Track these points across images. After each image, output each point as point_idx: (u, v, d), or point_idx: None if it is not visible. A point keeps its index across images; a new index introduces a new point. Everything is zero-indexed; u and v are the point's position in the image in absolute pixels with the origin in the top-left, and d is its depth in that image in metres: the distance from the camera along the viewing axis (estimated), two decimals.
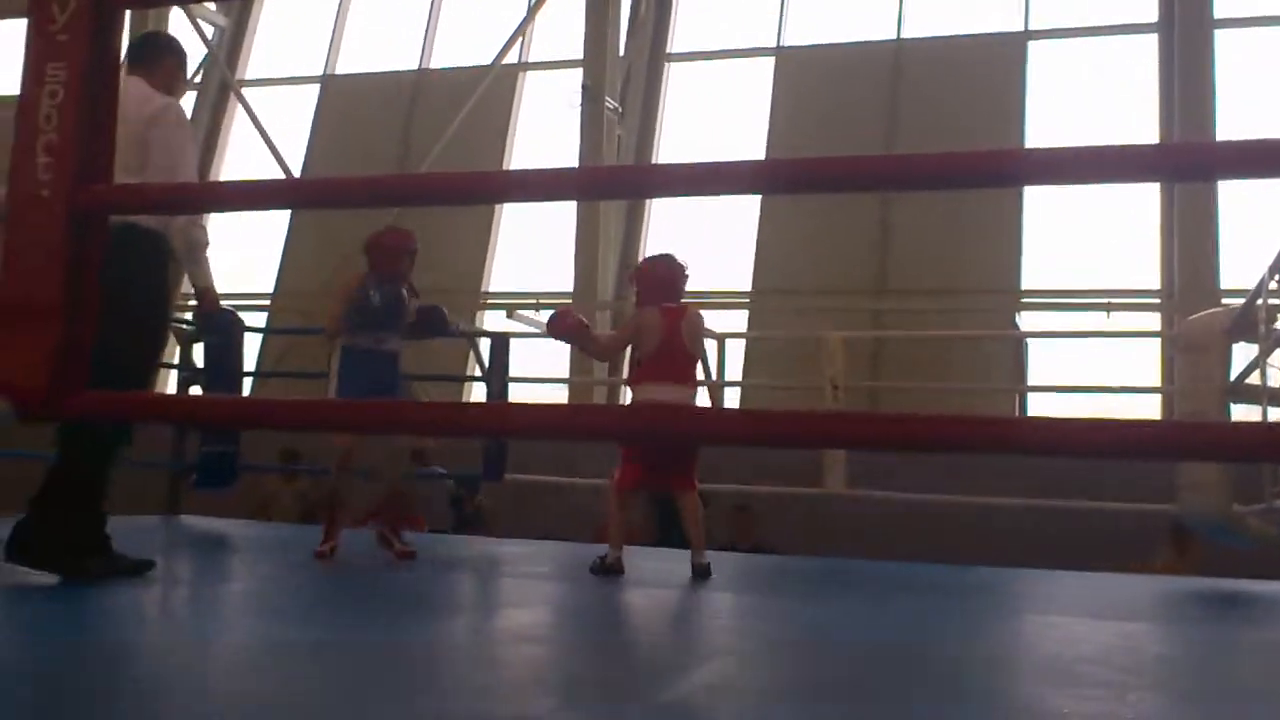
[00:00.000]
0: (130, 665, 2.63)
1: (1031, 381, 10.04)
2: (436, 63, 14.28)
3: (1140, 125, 11.19)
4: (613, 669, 2.80)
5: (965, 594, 5.16)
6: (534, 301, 12.31)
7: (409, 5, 14.59)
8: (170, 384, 11.29)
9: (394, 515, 5.55)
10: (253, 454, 7.86)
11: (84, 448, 3.70)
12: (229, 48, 14.92)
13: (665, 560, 6.21)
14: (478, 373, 10.32)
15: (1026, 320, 11.13)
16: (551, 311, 5.49)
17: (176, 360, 8.92)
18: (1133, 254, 11.04)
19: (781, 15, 13.03)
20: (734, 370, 10.60)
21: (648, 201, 12.77)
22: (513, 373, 7.83)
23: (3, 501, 6.47)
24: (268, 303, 13.54)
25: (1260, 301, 5.28)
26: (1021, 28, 12.12)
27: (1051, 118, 11.51)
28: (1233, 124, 10.73)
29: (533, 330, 11.37)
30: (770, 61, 12.90)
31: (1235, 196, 10.59)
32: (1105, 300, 10.81)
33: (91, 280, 2.06)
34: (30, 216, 2.02)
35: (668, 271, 5.35)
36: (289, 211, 13.47)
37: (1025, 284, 11.27)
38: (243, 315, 8.18)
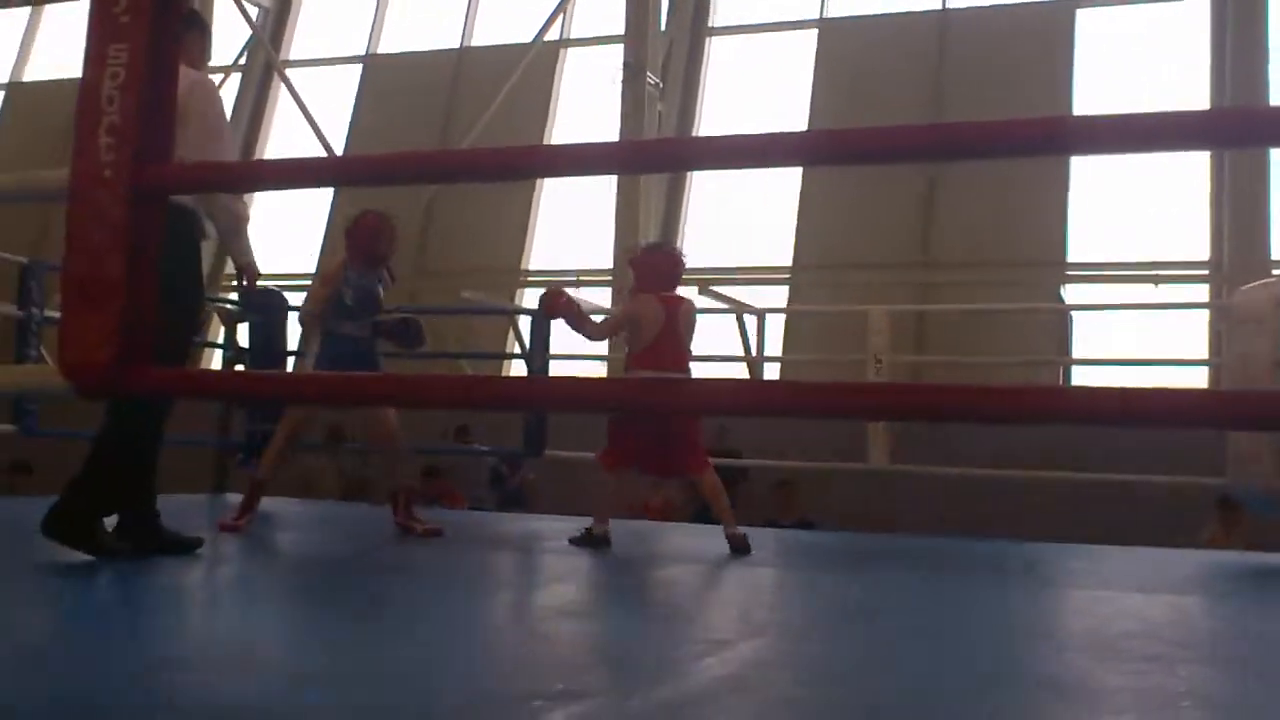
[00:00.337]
0: (179, 643, 2.68)
1: (1077, 355, 9.97)
2: (478, 41, 14.30)
3: (1190, 93, 11.03)
4: (660, 644, 2.82)
5: (1011, 569, 5.14)
6: (574, 279, 12.33)
7: None
8: (215, 363, 11.42)
9: (405, 496, 5.51)
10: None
11: (126, 426, 3.71)
12: (273, 28, 15.00)
13: (704, 536, 6.23)
14: (518, 350, 10.40)
15: (1072, 293, 11.03)
16: (543, 291, 5.53)
17: (221, 339, 9.02)
18: (1181, 225, 10.92)
19: None
20: (774, 346, 10.58)
21: (688, 178, 12.75)
22: (553, 350, 7.83)
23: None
24: (309, 283, 13.62)
25: None
26: None
27: (1100, 87, 11.37)
28: None
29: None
30: (813, 34, 12.83)
31: None
32: (1153, 272, 10.70)
33: (152, 259, 2.10)
34: (93, 196, 2.05)
35: (667, 260, 5.41)
36: (331, 191, 13.55)
37: (1071, 256, 11.17)
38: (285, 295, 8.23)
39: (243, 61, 14.97)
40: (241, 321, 8.10)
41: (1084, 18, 11.87)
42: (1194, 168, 10.93)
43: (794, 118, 12.16)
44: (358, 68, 14.76)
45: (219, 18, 13.40)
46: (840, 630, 3.15)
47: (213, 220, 4.03)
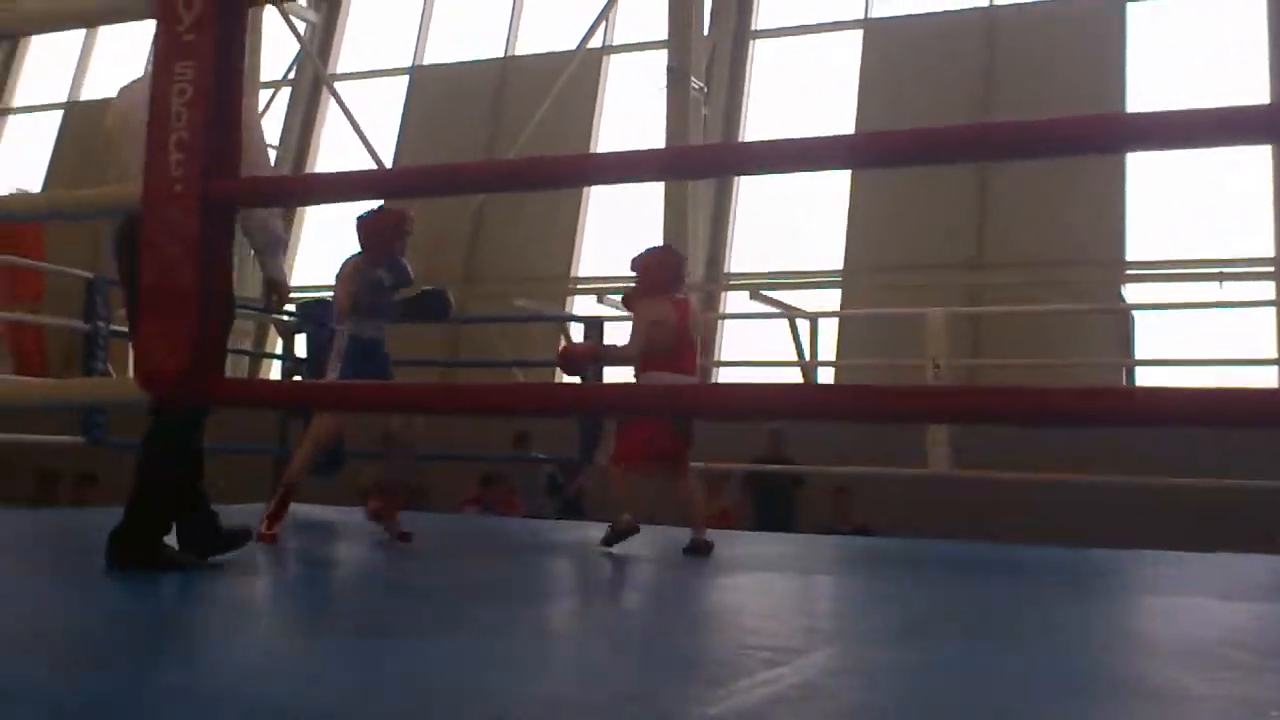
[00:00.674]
0: (256, 653, 2.68)
1: (1140, 356, 9.83)
2: (521, 50, 14.34)
3: (1248, 89, 10.85)
4: (732, 651, 2.79)
5: (1081, 576, 5.06)
6: (624, 285, 12.33)
7: None
8: (274, 374, 11.50)
9: (393, 498, 5.49)
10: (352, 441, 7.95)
11: (169, 439, 3.65)
12: (320, 43, 15.12)
13: (766, 544, 6.20)
14: None
15: (1133, 293, 10.88)
16: (559, 353, 5.55)
17: (280, 351, 9.09)
18: (1245, 221, 10.74)
19: None
20: (826, 351, 10.51)
21: (736, 182, 12.71)
22: None
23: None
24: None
25: None
26: None
27: (1153, 84, 11.22)
28: None
29: (624, 314, 11.38)
30: (858, 35, 12.75)
31: None
32: (1216, 270, 10.50)
33: (223, 270, 2.11)
34: (165, 210, 2.07)
35: (675, 259, 5.41)
36: (383, 201, 13.62)
37: (1130, 255, 11.03)
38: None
39: (291, 76, 15.10)
40: (298, 333, 8.16)
41: (1134, 12, 11.71)
42: (1257, 161, 10.74)
43: (840, 120, 12.09)
44: (404, 79, 14.85)
45: (267, 33, 13.53)
46: (913, 638, 3.11)
47: (249, 237, 3.95)
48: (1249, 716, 2.23)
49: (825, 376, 10.51)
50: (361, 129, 13.16)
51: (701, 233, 12.29)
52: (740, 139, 12.96)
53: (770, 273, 12.22)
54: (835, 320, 11.12)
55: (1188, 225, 10.75)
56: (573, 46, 13.14)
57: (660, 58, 12.42)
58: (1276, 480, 6.71)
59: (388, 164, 13.34)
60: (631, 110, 13.23)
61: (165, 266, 2.05)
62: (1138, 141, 1.90)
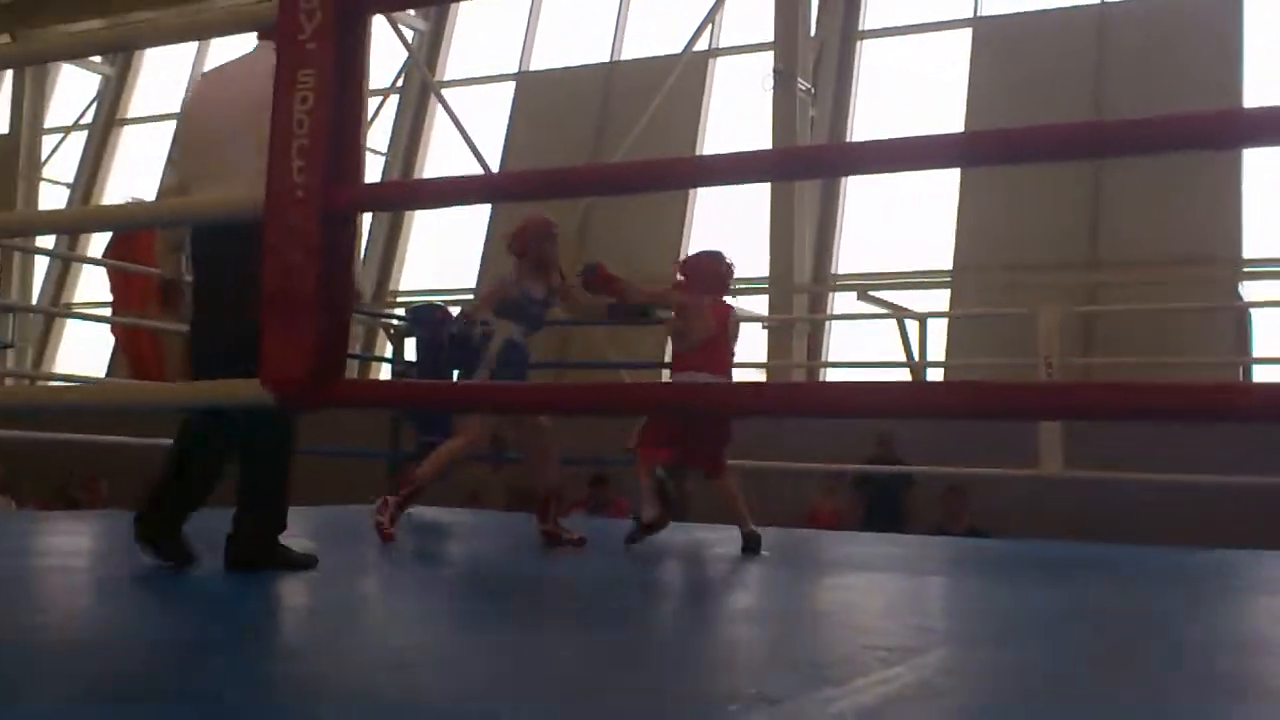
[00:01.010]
0: (376, 646, 2.74)
1: (1258, 355, 9.55)
2: (627, 54, 14.40)
3: None
4: (847, 650, 2.79)
5: (1196, 576, 4.96)
6: (731, 287, 12.31)
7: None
8: (383, 378, 11.71)
9: (553, 504, 5.48)
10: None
11: (265, 438, 3.65)
12: (428, 50, 15.35)
13: (875, 545, 6.15)
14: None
15: (1250, 290, 10.58)
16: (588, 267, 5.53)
17: (390, 354, 9.26)
18: None
19: None
20: (935, 352, 10.38)
21: (843, 182, 12.62)
22: None
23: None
24: (470, 297, 13.90)
25: None
26: None
27: (1273, 81, 10.89)
28: None
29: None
30: (967, 33, 12.58)
31: None
32: None
33: (345, 275, 2.16)
34: (287, 216, 2.12)
35: (718, 267, 5.41)
36: (489, 208, 13.80)
37: (1248, 252, 10.72)
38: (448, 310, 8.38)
39: (399, 84, 15.35)
40: (408, 336, 8.30)
41: (1253, 6, 11.37)
42: None
43: (949, 120, 11.94)
44: (511, 85, 15.01)
45: (376, 41, 13.74)
46: (1028, 640, 3.07)
47: None
48: None
49: (935, 378, 10.40)
50: (469, 135, 13.33)
51: (808, 233, 12.22)
52: (848, 140, 12.87)
53: (878, 273, 12.11)
54: (944, 321, 10.97)
55: None
56: (678, 50, 13.16)
57: (766, 59, 12.39)
58: None
59: (495, 170, 13.50)
60: (738, 113, 13.21)
61: (288, 272, 2.11)
62: (1256, 137, 1.87)
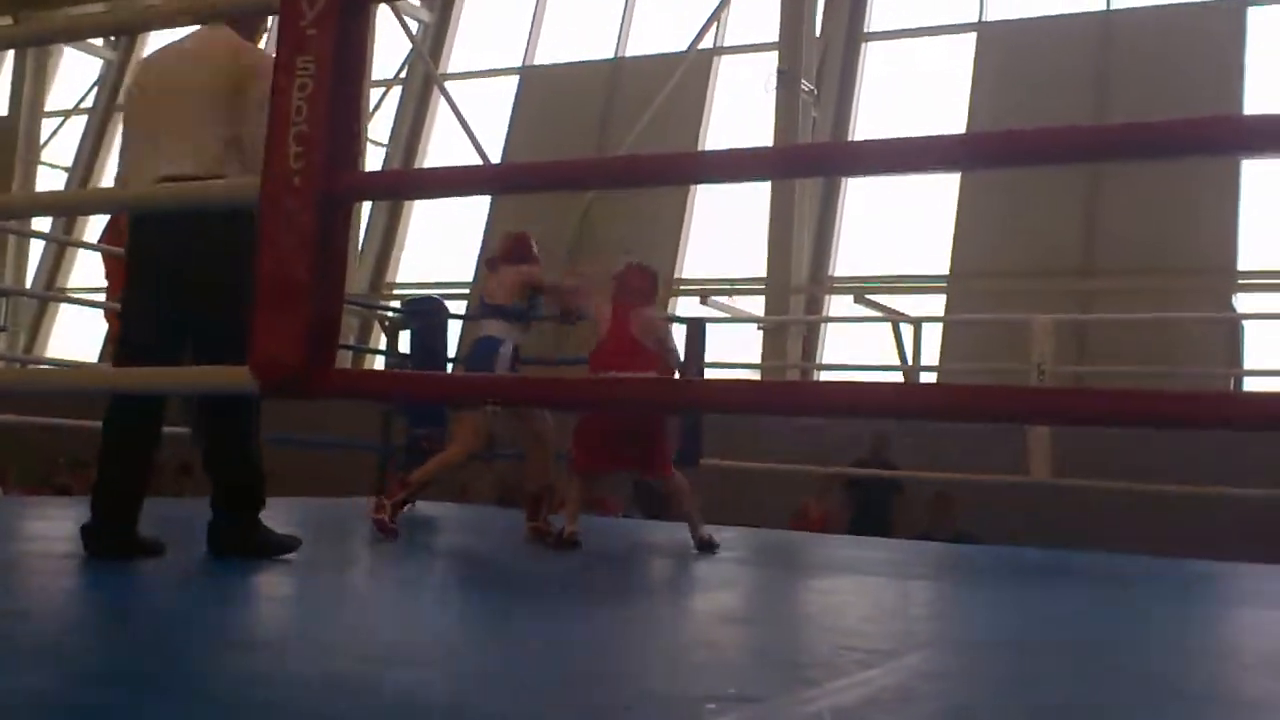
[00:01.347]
0: (367, 640, 2.75)
1: (1249, 367, 9.58)
2: (632, 50, 14.41)
3: None
4: (825, 653, 2.80)
5: (1180, 586, 4.97)
6: (728, 287, 12.33)
7: None
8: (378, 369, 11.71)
9: (537, 510, 5.50)
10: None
11: (238, 426, 3.61)
12: (432, 42, 15.34)
13: (862, 548, 6.17)
14: None
15: (1244, 302, 10.60)
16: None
17: (384, 346, 9.27)
18: None
19: None
20: (930, 356, 10.41)
21: (842, 185, 12.64)
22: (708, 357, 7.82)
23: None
24: (467, 291, 13.90)
25: None
26: None
27: (1275, 91, 10.91)
28: None
29: (727, 315, 11.41)
30: (971, 37, 12.59)
31: None
32: None
33: (339, 263, 2.17)
34: (283, 203, 2.13)
35: (629, 275, 5.38)
36: (487, 202, 13.82)
37: (1243, 264, 10.75)
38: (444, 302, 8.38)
39: (403, 75, 15.34)
40: (403, 329, 8.30)
41: (1256, 16, 11.39)
42: None
43: (952, 124, 11.95)
44: (514, 79, 15.01)
45: (380, 31, 13.76)
46: (1008, 645, 3.08)
47: None
48: None
49: (928, 381, 10.42)
50: (471, 129, 13.33)
51: (807, 235, 12.23)
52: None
53: (876, 276, 12.13)
54: (939, 325, 11.00)
55: None
56: (683, 48, 13.16)
57: (770, 59, 12.39)
58: None
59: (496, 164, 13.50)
60: (741, 112, 13.22)
61: (282, 259, 2.11)
62: (1252, 145, 1.88)
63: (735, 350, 10.62)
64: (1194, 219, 10.80)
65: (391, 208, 14.56)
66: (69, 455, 11.04)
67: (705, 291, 12.07)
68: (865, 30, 13.19)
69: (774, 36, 12.39)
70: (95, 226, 11.52)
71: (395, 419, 7.75)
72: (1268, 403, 1.63)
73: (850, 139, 12.88)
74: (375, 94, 14.83)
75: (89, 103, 17.41)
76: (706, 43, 13.40)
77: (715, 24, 13.35)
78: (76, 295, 15.72)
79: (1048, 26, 12.17)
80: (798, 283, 12.05)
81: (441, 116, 14.90)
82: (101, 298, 10.73)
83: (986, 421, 2.11)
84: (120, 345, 3.75)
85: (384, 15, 13.82)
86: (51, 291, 16.22)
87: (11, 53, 16.88)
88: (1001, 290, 10.99)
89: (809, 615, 3.76)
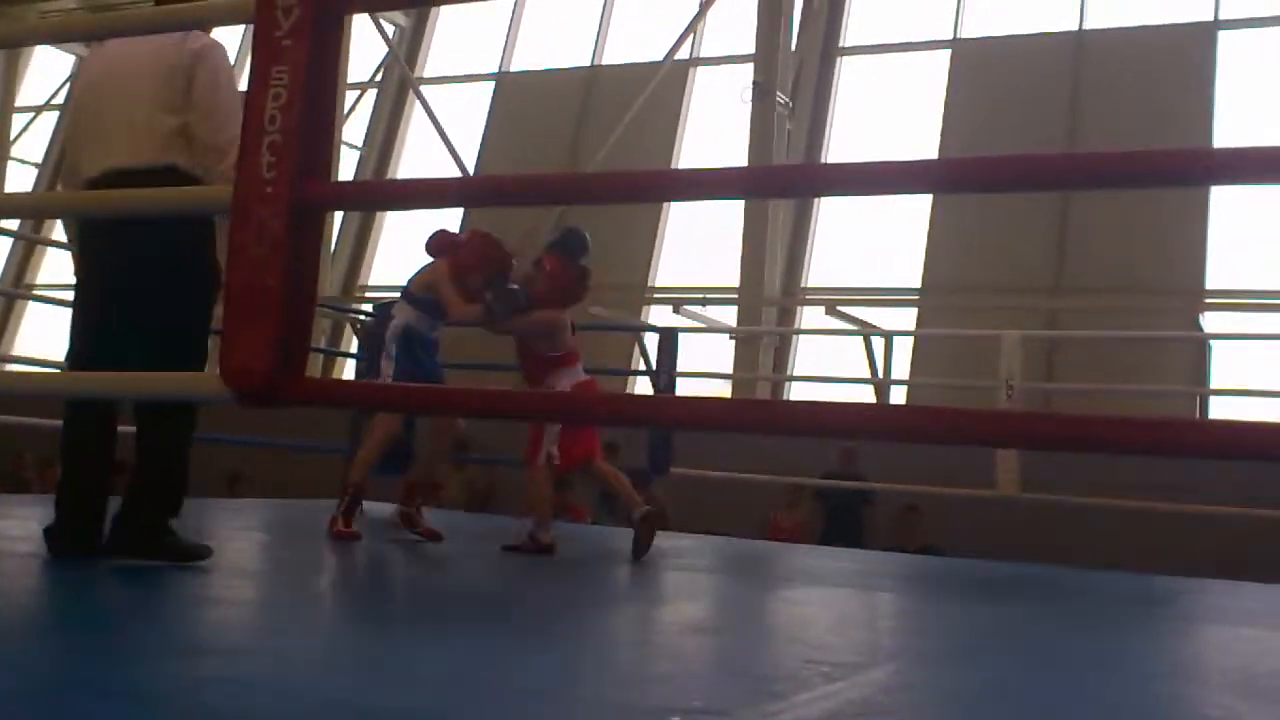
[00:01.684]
0: (326, 648, 2.74)
1: (1215, 386, 9.68)
2: (608, 59, 14.43)
3: None
4: (790, 665, 2.81)
5: (1145, 603, 5.02)
6: (701, 296, 12.36)
7: (583, 2, 14.77)
8: (348, 373, 11.69)
9: (422, 494, 5.50)
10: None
11: (186, 429, 3.53)
12: (408, 46, 15.33)
13: (831, 559, 6.19)
14: (641, 367, 10.46)
15: (1211, 321, 10.71)
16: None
17: (355, 349, 9.23)
18: None
19: (959, 6, 12.79)
20: (901, 369, 10.46)
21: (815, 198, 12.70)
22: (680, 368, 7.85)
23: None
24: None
25: None
26: (1211, 17, 11.65)
27: (1243, 113, 11.04)
28: None
29: (699, 325, 11.43)
30: (946, 54, 12.69)
31: None
32: None
33: (311, 272, 2.17)
34: (255, 211, 2.13)
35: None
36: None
37: (1210, 283, 10.86)
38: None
39: (378, 79, 15.32)
40: (375, 332, 8.26)
41: (1226, 40, 11.54)
42: None
43: (925, 140, 12.04)
44: (490, 85, 15.01)
45: (356, 35, 13.73)
46: (973, 660, 3.11)
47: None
48: None
49: (898, 395, 10.48)
50: (446, 133, 13.31)
51: (780, 246, 12.28)
52: (824, 156, 12.95)
53: (848, 288, 12.19)
54: (910, 339, 11.06)
55: (1270, 255, 10.55)
56: (659, 57, 13.19)
57: (746, 72, 12.44)
58: None
59: (470, 169, 13.49)
60: (715, 123, 13.27)
61: (253, 267, 2.11)
62: (1223, 175, 1.90)
63: (707, 360, 10.65)
64: (1163, 238, 10.91)
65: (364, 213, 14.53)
66: (35, 453, 10.97)
67: (678, 300, 12.08)
68: (841, 45, 13.27)
69: (750, 49, 12.44)
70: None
71: (364, 422, 7.72)
72: (1240, 430, 1.65)
73: (824, 153, 12.96)
74: (350, 96, 14.80)
75: (60, 99, 17.30)
76: (683, 53, 13.43)
77: (692, 35, 13.38)
78: (45, 293, 15.62)
79: (1022, 45, 12.28)
80: (770, 293, 12.09)
81: (416, 121, 14.88)
82: (70, 295, 10.70)
83: (955, 444, 2.13)
84: (67, 353, 3.70)
85: (360, 19, 13.79)
86: (19, 289, 16.09)
87: None
88: (972, 305, 11.07)
89: (775, 626, 3.77)
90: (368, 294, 14.19)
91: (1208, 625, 4.60)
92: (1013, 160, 2.14)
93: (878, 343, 9.53)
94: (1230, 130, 10.89)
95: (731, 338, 11.60)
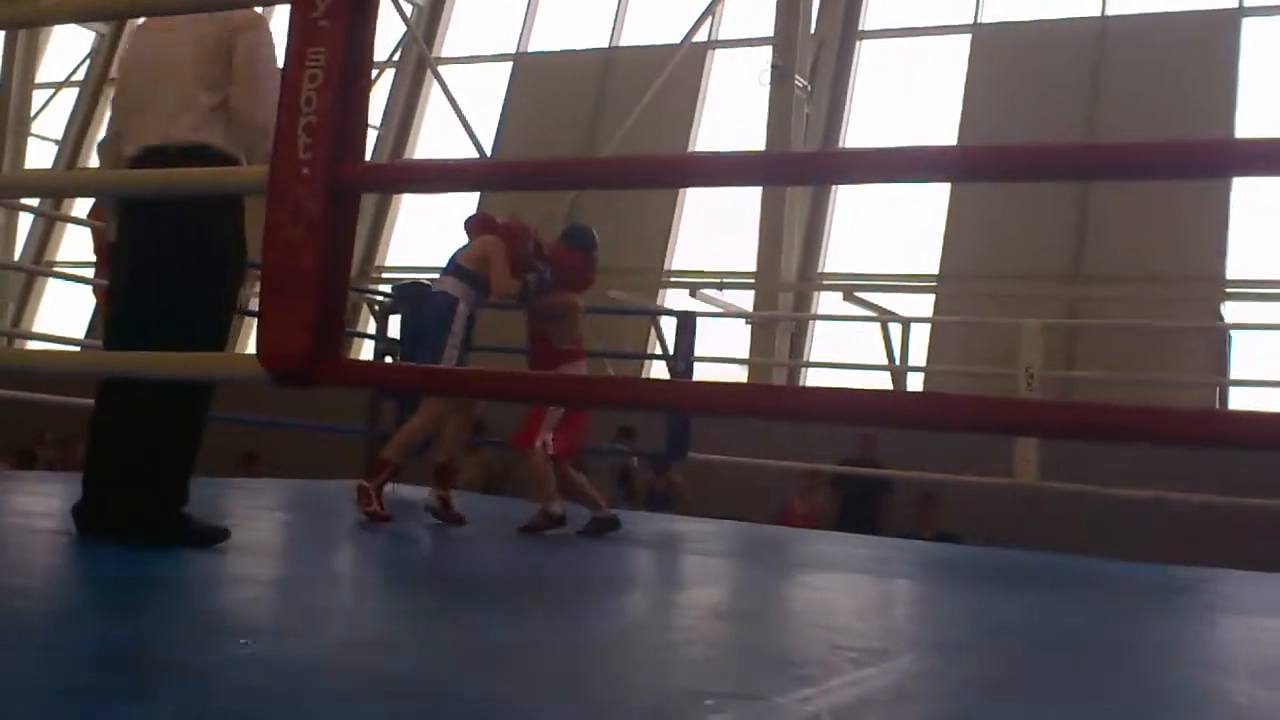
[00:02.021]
0: (356, 626, 2.75)
1: (1235, 376, 9.63)
2: (626, 41, 14.39)
3: None
4: (819, 651, 2.81)
5: (1164, 592, 5.01)
6: (717, 281, 12.33)
7: None
8: (366, 354, 11.69)
9: (446, 480, 5.50)
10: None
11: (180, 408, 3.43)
12: (427, 26, 15.30)
13: (847, 545, 6.19)
14: (658, 351, 10.44)
15: (1232, 311, 10.66)
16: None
17: (373, 330, 9.23)
18: None
19: None
20: (918, 356, 10.42)
21: None
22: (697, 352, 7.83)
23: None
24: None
25: None
26: (1235, 4, 11.56)
27: (1267, 100, 10.96)
28: None
29: (716, 309, 11.41)
30: (966, 39, 12.61)
31: None
32: None
33: (345, 253, 2.17)
34: (291, 192, 2.13)
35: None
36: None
37: (1231, 273, 10.80)
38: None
39: (396, 58, 15.29)
40: (393, 313, 8.27)
41: (1250, 27, 11.45)
42: None
43: (944, 124, 11.98)
44: (508, 65, 14.97)
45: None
46: (999, 647, 3.10)
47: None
48: None
49: (915, 381, 10.45)
50: (463, 114, 13.29)
51: (797, 231, 12.25)
52: (842, 140, 12.89)
53: (865, 274, 12.15)
54: (928, 326, 11.02)
55: None
56: (677, 40, 13.15)
57: (765, 54, 12.39)
58: None
59: (488, 149, 13.47)
60: (733, 106, 13.22)
61: (289, 249, 2.11)
62: (1246, 167, 1.89)
63: (723, 345, 10.64)
64: (1184, 227, 10.85)
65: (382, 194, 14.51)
66: (52, 431, 11.02)
67: (695, 284, 12.06)
68: (860, 28, 13.19)
69: (769, 32, 12.39)
70: (85, 201, 11.45)
71: (383, 402, 7.74)
72: (1259, 421, 1.64)
73: (843, 137, 12.90)
74: None
75: (80, 75, 17.32)
76: (701, 35, 13.39)
77: (710, 18, 13.33)
78: (65, 270, 15.67)
79: (1043, 30, 12.20)
80: (787, 278, 12.06)
81: (434, 100, 14.86)
82: (90, 273, 10.71)
83: (974, 432, 2.12)
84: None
85: None
86: (40, 265, 16.14)
87: None
88: (990, 292, 11.02)
89: (800, 612, 3.78)
90: (384, 274, 14.19)
91: (1230, 615, 4.59)
92: (1032, 149, 2.13)
93: (895, 329, 9.49)
94: (1253, 119, 10.81)
95: (748, 322, 11.58)
